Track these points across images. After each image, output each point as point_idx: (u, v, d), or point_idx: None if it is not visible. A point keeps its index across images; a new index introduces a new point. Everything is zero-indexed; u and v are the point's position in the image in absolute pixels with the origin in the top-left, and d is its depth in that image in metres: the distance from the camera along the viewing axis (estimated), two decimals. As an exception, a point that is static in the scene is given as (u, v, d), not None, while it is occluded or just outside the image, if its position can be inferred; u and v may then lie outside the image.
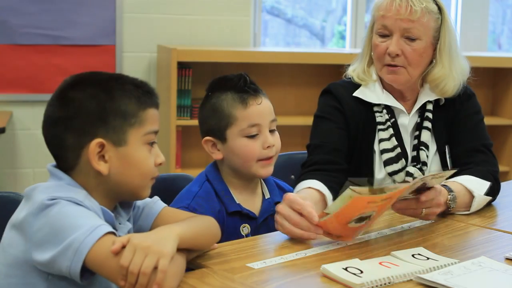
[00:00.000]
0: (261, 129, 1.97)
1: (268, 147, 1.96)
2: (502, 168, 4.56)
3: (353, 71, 2.35)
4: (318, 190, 2.04)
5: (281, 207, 1.75)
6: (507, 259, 1.68)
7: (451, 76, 2.25)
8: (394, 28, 2.20)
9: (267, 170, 1.99)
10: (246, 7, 4.39)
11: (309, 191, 2.03)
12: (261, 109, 1.97)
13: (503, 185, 2.33)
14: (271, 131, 2.00)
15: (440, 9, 2.23)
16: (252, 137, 1.96)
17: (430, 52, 2.25)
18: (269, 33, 4.93)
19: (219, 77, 2.03)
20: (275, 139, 2.00)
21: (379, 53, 2.24)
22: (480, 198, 2.08)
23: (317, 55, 4.31)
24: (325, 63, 4.30)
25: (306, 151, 2.31)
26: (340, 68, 4.47)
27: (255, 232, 1.99)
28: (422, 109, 2.29)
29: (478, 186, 2.10)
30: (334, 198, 1.98)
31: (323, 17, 5.07)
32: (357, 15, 4.79)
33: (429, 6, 2.20)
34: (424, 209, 1.86)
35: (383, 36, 2.23)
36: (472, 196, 2.07)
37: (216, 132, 1.98)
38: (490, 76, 4.70)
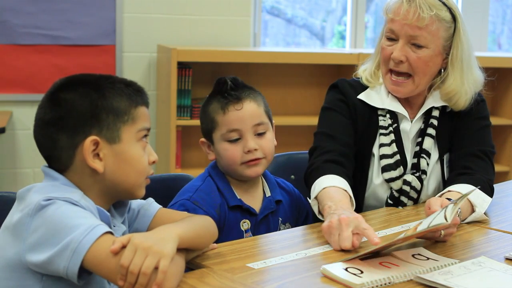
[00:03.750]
0: (242, 133, 1.98)
1: (249, 151, 1.98)
2: (502, 168, 4.56)
3: (363, 71, 2.32)
4: (345, 191, 1.99)
5: (346, 221, 1.72)
6: (507, 259, 1.68)
7: (463, 90, 2.19)
8: (400, 34, 2.15)
9: (253, 170, 2.00)
10: (246, 7, 4.39)
11: (341, 193, 1.96)
12: (240, 114, 1.98)
13: (503, 185, 2.33)
14: (260, 134, 2.00)
15: (454, 18, 2.16)
16: (234, 141, 1.99)
17: (439, 61, 2.19)
18: (269, 33, 4.93)
19: (217, 79, 2.05)
20: (263, 142, 2.00)
21: (385, 56, 2.20)
22: (479, 215, 2.02)
23: (317, 55, 4.30)
24: (325, 63, 4.31)
25: (306, 151, 2.30)
26: (340, 68, 4.47)
27: (254, 228, 2.00)
28: (428, 114, 2.25)
29: (481, 201, 2.04)
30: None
31: (323, 17, 5.07)
32: (357, 15, 4.79)
33: (440, 14, 2.13)
34: (442, 231, 1.78)
35: (390, 39, 2.19)
36: (472, 210, 2.02)
37: (206, 135, 2.05)
38: (490, 76, 4.70)
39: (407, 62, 2.16)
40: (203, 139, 2.06)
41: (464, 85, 2.19)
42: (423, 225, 1.63)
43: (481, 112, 2.28)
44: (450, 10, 2.15)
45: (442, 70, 2.22)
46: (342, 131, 2.20)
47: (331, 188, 1.98)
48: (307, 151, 2.30)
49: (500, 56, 4.94)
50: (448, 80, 2.19)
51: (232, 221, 1.97)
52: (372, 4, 5.04)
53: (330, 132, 2.19)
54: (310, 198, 2.04)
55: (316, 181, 2.03)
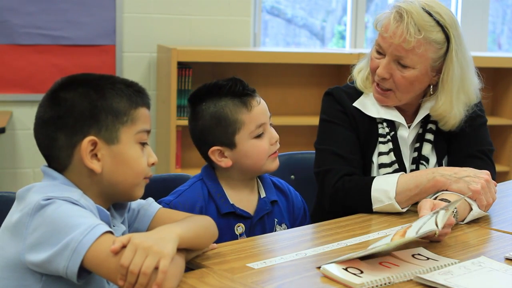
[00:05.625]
0: (265, 127, 2.00)
1: (276, 141, 2.01)
2: (502, 168, 4.56)
3: (358, 73, 2.28)
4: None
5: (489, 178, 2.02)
6: (507, 259, 1.68)
7: (452, 114, 2.15)
8: (387, 51, 2.11)
9: (276, 163, 2.03)
10: (246, 7, 4.39)
11: (421, 172, 2.09)
12: (262, 108, 2.00)
13: (503, 185, 2.32)
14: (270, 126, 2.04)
15: (448, 37, 2.09)
16: (259, 136, 1.98)
17: (426, 79, 2.14)
18: (269, 33, 4.93)
19: (208, 85, 2.02)
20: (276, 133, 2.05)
21: (372, 68, 2.18)
22: (476, 212, 2.00)
23: (317, 55, 4.31)
24: (325, 63, 4.31)
25: (306, 151, 2.30)
26: (340, 68, 4.47)
27: (250, 231, 2.00)
28: (426, 119, 2.22)
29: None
30: None
31: (323, 17, 5.07)
32: (357, 15, 4.79)
33: (430, 36, 2.06)
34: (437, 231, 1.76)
35: (378, 53, 2.15)
36: (470, 209, 2.00)
37: (223, 140, 1.97)
38: (490, 76, 4.70)
39: (391, 79, 2.13)
40: (215, 148, 1.98)
41: (453, 110, 2.15)
42: (413, 229, 1.63)
43: (476, 106, 2.24)
44: (443, 29, 2.08)
45: (432, 86, 2.17)
46: (350, 149, 2.17)
47: (404, 176, 2.06)
48: (307, 151, 2.29)
49: (500, 56, 4.94)
50: (439, 101, 2.15)
51: (224, 227, 1.94)
52: (372, 4, 5.04)
53: (340, 152, 2.15)
54: (378, 203, 2.05)
55: (376, 188, 2.05)
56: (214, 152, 1.99)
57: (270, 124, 2.04)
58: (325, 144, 2.20)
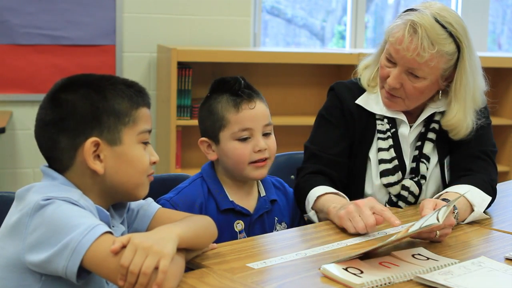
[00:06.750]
0: (253, 133, 1.98)
1: (259, 150, 1.98)
2: (502, 168, 4.56)
3: (364, 69, 2.27)
4: (338, 194, 2.04)
5: (362, 203, 1.84)
6: (507, 259, 1.69)
7: (465, 123, 2.15)
8: (398, 62, 2.10)
9: (260, 172, 2.00)
10: (246, 7, 4.39)
11: (338, 197, 2.02)
12: (253, 113, 1.98)
13: (503, 185, 2.32)
14: (266, 135, 2.01)
15: (458, 48, 2.09)
16: (243, 140, 1.98)
17: (436, 87, 2.14)
18: (269, 33, 4.93)
19: (219, 79, 2.05)
20: (269, 143, 2.01)
21: (382, 75, 2.17)
22: (478, 214, 2.01)
23: (317, 55, 4.30)
24: (325, 63, 4.31)
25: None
26: (340, 68, 4.46)
27: (249, 228, 2.01)
28: (429, 118, 2.21)
29: (480, 200, 2.03)
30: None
31: (323, 17, 5.07)
32: (357, 15, 4.79)
33: (442, 49, 2.05)
34: (437, 231, 1.77)
35: (389, 61, 2.13)
36: (471, 210, 2.00)
37: (210, 134, 2.01)
38: (490, 76, 4.70)
39: (401, 88, 2.12)
40: (204, 139, 2.03)
41: (467, 119, 2.15)
42: (415, 226, 1.64)
43: (482, 111, 2.24)
44: (455, 39, 2.08)
45: (440, 92, 2.18)
46: (330, 147, 2.20)
47: (326, 195, 2.03)
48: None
49: (500, 56, 4.94)
50: (452, 111, 2.15)
51: (223, 223, 1.95)
52: (372, 4, 5.04)
53: (316, 151, 2.20)
54: (306, 213, 2.08)
55: (308, 195, 2.07)
56: (202, 143, 2.04)
57: (267, 134, 2.02)
58: (309, 141, 2.26)
